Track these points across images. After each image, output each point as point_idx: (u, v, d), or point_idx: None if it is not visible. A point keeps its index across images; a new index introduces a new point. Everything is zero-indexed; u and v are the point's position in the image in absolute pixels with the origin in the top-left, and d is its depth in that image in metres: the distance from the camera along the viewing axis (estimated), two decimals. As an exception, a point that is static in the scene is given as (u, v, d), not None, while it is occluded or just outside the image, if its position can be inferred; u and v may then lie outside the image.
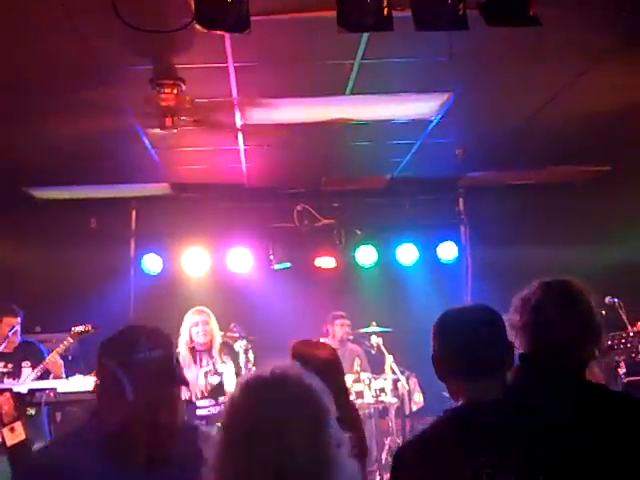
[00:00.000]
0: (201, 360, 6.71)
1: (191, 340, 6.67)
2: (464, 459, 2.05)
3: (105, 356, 2.30)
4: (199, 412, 6.54)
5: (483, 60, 5.16)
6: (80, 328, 7.07)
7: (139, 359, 2.25)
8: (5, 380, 6.62)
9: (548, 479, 2.04)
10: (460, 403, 2.25)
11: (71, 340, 6.97)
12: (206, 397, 6.59)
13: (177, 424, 2.30)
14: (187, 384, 2.45)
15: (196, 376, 6.57)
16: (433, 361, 2.33)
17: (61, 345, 6.99)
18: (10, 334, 6.73)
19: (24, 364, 6.81)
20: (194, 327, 6.67)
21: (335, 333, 8.27)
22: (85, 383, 6.70)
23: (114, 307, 8.33)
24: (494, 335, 2.28)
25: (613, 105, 6.24)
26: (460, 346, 2.25)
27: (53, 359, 6.84)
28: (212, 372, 6.66)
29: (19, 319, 6.91)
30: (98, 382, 2.35)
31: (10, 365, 6.79)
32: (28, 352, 6.92)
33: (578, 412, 2.31)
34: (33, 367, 6.75)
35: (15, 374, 6.71)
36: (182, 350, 6.62)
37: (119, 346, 2.32)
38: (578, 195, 8.64)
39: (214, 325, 6.75)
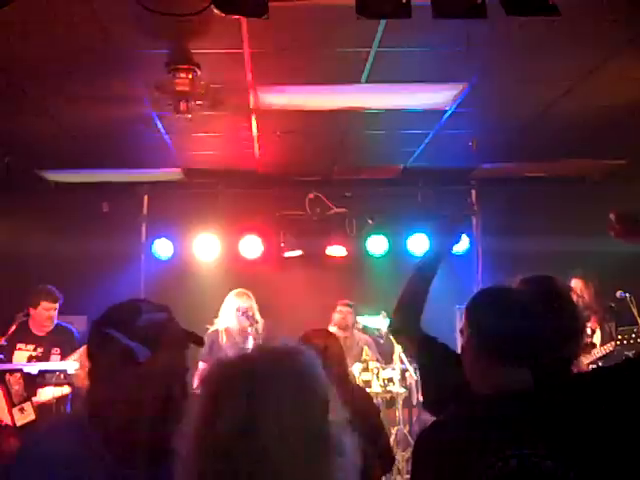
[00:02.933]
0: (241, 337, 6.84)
1: (237, 321, 6.83)
2: (496, 448, 2.01)
3: (105, 328, 2.01)
4: None
5: (500, 50, 5.13)
6: None
7: (145, 321, 2.01)
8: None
9: (580, 470, 1.99)
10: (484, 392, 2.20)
11: None
12: None
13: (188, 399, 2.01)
14: (202, 343, 2.16)
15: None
16: (472, 338, 2.26)
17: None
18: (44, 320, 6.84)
19: (54, 350, 6.85)
20: (241, 309, 6.84)
21: (334, 320, 8.30)
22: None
23: (124, 291, 8.34)
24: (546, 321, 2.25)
25: (629, 98, 6.20)
26: (512, 326, 2.18)
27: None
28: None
29: (58, 305, 6.96)
30: (93, 365, 2.02)
31: (40, 349, 6.83)
32: (61, 338, 6.95)
33: (593, 402, 2.28)
34: (62, 355, 6.78)
35: (43, 359, 6.74)
36: (230, 326, 6.81)
37: (120, 315, 2.05)
38: (592, 188, 8.61)
39: (255, 308, 6.92)
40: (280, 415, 1.34)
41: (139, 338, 1.93)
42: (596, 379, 2.41)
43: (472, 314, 2.30)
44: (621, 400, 2.22)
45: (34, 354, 6.78)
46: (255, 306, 6.96)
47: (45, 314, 6.92)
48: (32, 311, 6.89)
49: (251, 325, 6.72)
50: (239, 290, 7.04)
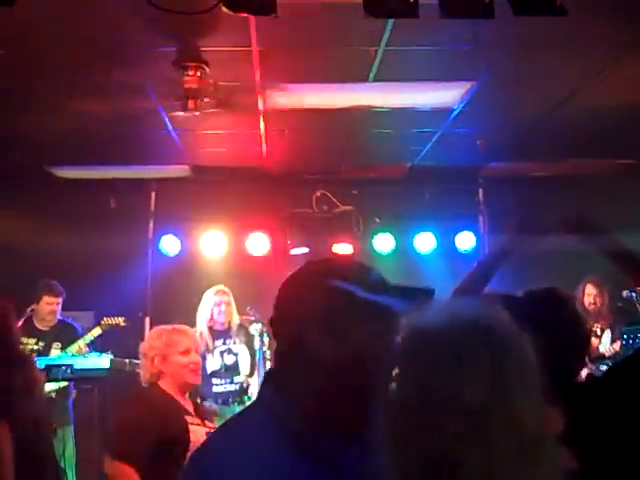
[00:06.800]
0: (218, 339, 6.84)
1: (211, 319, 6.81)
2: None
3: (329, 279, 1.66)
4: (215, 389, 6.67)
5: (508, 50, 5.13)
6: (110, 320, 7.16)
7: (375, 276, 1.73)
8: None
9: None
10: None
11: (100, 331, 7.06)
12: (221, 376, 6.73)
13: None
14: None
15: (213, 355, 6.72)
16: None
17: (89, 335, 7.08)
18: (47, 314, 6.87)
19: (54, 345, 6.91)
20: (216, 307, 6.81)
21: None
22: (101, 361, 6.79)
23: (132, 287, 8.38)
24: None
25: (637, 97, 6.20)
26: None
27: (78, 348, 6.93)
28: (228, 352, 6.78)
29: (60, 299, 7.00)
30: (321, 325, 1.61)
31: (41, 343, 6.89)
32: (62, 332, 7.01)
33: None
34: (63, 349, 6.83)
35: (44, 353, 6.78)
36: (202, 328, 6.77)
37: (347, 269, 1.76)
38: (599, 188, 8.59)
39: (234, 306, 6.89)
40: (524, 376, 1.25)
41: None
42: (597, 382, 2.42)
43: None
44: (624, 397, 2.21)
45: (35, 348, 6.82)
46: (232, 302, 6.96)
47: (47, 308, 6.97)
48: (35, 306, 6.95)
49: (257, 322, 6.75)
50: (214, 287, 7.05)
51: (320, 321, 1.61)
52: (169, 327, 4.08)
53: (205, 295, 6.97)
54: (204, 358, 6.71)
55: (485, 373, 1.22)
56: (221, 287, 7.04)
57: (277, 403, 1.64)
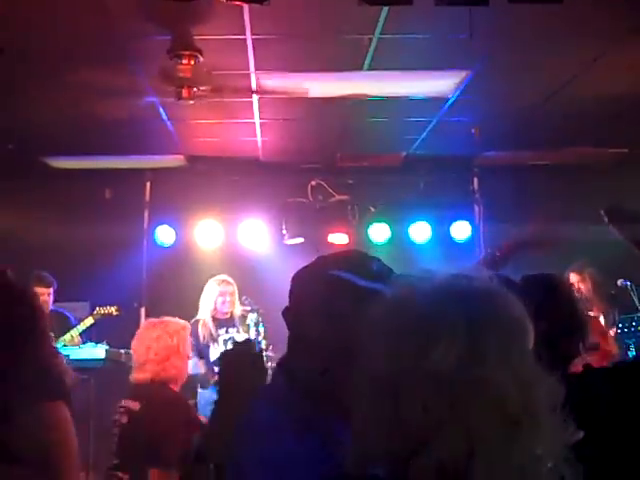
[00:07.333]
0: (221, 328, 6.83)
1: (214, 309, 6.79)
2: None
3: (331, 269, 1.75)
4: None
5: (503, 38, 5.13)
6: (103, 309, 7.13)
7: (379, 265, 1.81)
8: None
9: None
10: None
11: (92, 320, 7.04)
12: None
13: None
14: None
15: (218, 343, 6.72)
16: None
17: (81, 324, 7.05)
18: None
19: None
20: (220, 297, 6.79)
21: None
22: (97, 351, 6.78)
23: (126, 277, 8.37)
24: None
25: (631, 86, 6.19)
26: None
27: (71, 338, 6.91)
28: (232, 341, 6.78)
29: (51, 289, 6.98)
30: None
31: None
32: (55, 322, 6.98)
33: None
34: (56, 339, 6.83)
35: None
36: (206, 317, 6.76)
37: (348, 259, 1.84)
38: (594, 177, 8.59)
39: (236, 296, 6.89)
40: (503, 348, 1.19)
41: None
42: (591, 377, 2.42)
43: None
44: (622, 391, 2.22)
45: None
46: (236, 292, 6.94)
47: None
48: None
49: (252, 311, 6.74)
50: (218, 277, 7.02)
51: (320, 309, 1.71)
52: (162, 320, 4.01)
53: (208, 284, 6.94)
54: (208, 347, 6.70)
55: (455, 337, 1.17)
56: (225, 277, 7.00)
57: (285, 387, 1.73)
